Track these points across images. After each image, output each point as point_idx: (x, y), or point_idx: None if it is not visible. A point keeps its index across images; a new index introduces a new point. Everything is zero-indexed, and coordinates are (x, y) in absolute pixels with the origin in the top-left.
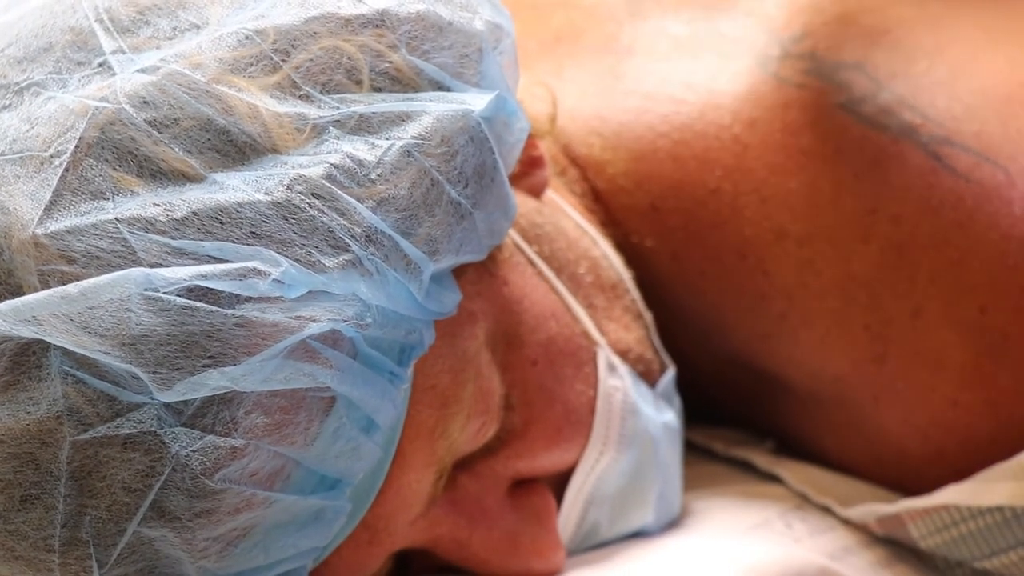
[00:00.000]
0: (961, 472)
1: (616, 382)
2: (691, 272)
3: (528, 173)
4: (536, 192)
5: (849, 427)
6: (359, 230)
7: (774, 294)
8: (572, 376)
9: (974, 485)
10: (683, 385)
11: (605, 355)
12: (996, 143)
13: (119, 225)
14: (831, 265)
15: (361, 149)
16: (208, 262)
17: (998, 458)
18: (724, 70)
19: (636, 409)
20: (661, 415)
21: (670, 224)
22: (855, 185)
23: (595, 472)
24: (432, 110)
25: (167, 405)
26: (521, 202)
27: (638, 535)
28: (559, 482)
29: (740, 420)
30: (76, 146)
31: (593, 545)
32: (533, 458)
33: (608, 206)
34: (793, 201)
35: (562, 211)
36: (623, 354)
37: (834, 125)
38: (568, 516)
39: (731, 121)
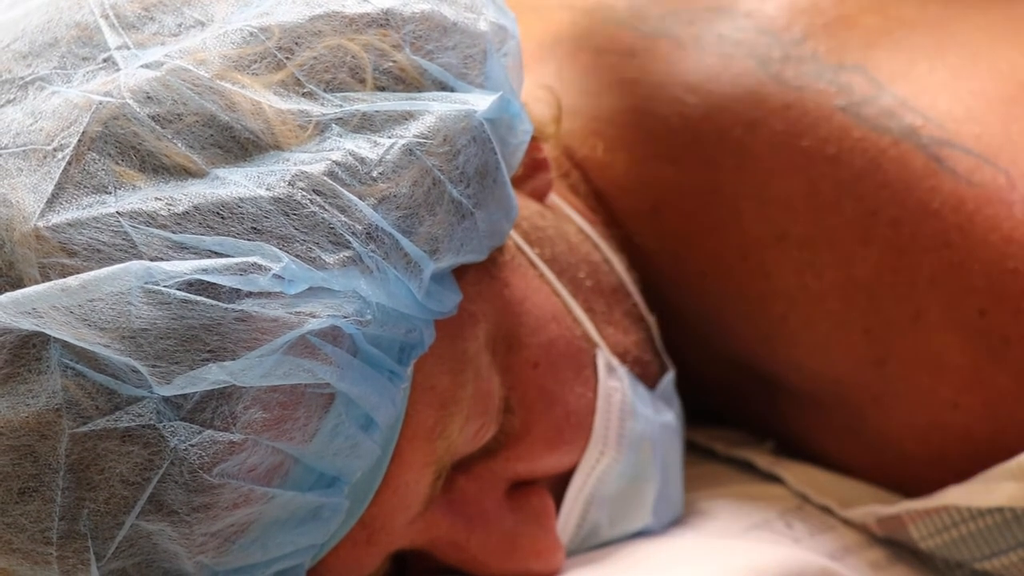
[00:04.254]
0: (961, 474)
1: (615, 383)
2: (692, 273)
3: (532, 176)
4: (539, 195)
5: (849, 429)
6: (360, 227)
7: (775, 296)
8: (572, 379)
9: (974, 486)
10: (684, 386)
11: (604, 356)
12: (997, 145)
13: (120, 219)
14: (831, 267)
15: (363, 147)
16: (209, 256)
17: (998, 460)
18: (725, 72)
19: (634, 410)
20: (660, 416)
21: (671, 226)
22: (856, 187)
23: (595, 473)
24: (435, 109)
25: (166, 399)
26: (524, 205)
27: (639, 535)
28: (558, 483)
29: (741, 421)
30: (79, 140)
31: (594, 546)
32: (532, 460)
33: (610, 207)
34: (794, 203)
35: (565, 215)
36: (621, 357)
37: (835, 127)
38: (568, 517)
39: (732, 123)
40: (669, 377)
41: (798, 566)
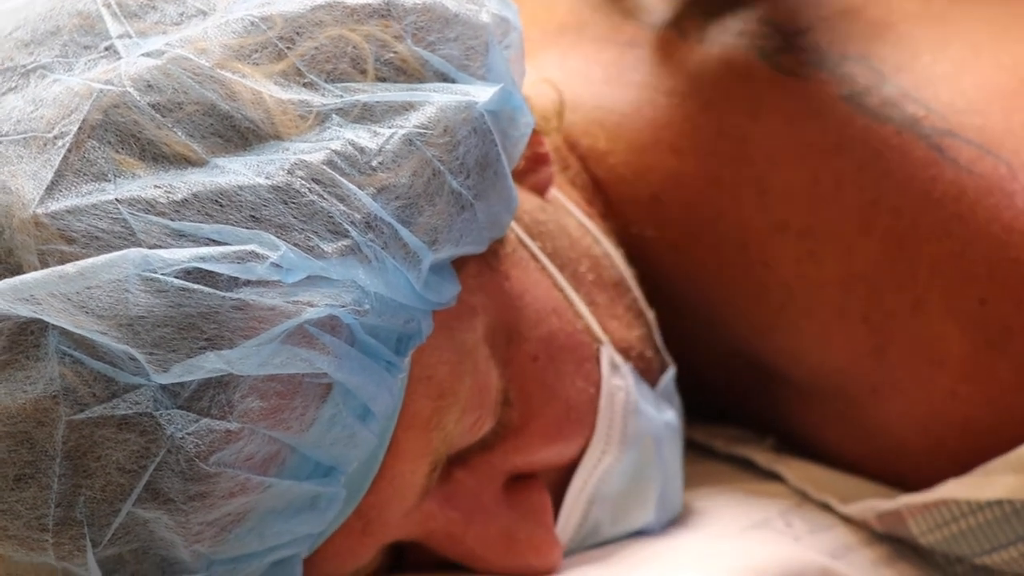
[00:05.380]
0: (961, 465)
1: (619, 381)
2: (691, 263)
3: (533, 170)
4: (540, 189)
5: (849, 419)
6: (359, 216)
7: (774, 285)
8: (573, 372)
9: (974, 479)
10: (684, 382)
11: (608, 353)
12: (998, 136)
13: (119, 206)
14: (832, 257)
15: (363, 137)
16: (207, 244)
17: (998, 451)
18: (727, 61)
19: (638, 409)
20: (662, 414)
21: (670, 215)
22: (857, 177)
23: (597, 472)
24: (436, 100)
25: (163, 387)
26: (525, 199)
27: (639, 534)
28: (558, 481)
29: (741, 415)
30: (79, 128)
31: (594, 544)
32: (531, 453)
33: (608, 197)
34: (794, 193)
35: (565, 209)
36: (625, 352)
37: (837, 117)
38: (570, 516)
39: (733, 113)
40: (670, 374)
41: (798, 566)
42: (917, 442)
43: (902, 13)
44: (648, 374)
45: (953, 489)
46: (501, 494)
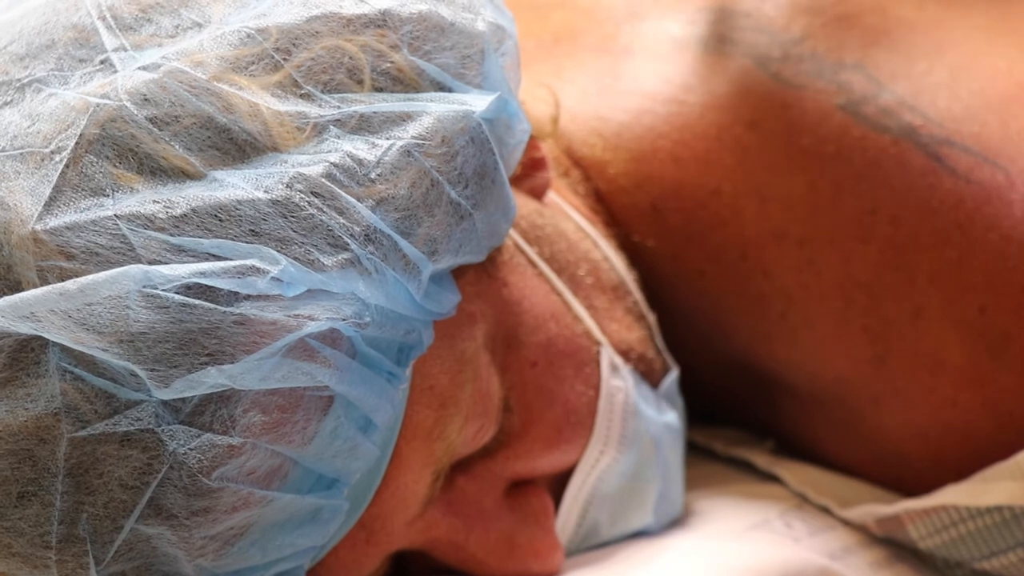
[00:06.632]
0: (961, 472)
1: (619, 382)
2: (691, 272)
3: (530, 175)
4: (538, 194)
5: (849, 427)
6: (358, 229)
7: (774, 294)
8: (572, 377)
9: (973, 485)
10: (684, 385)
11: (608, 355)
12: (996, 144)
13: (118, 222)
14: (831, 265)
15: (361, 148)
16: (207, 259)
17: (998, 458)
18: (724, 71)
19: (637, 410)
20: (663, 416)
21: (670, 224)
22: (856, 186)
23: (595, 472)
24: (433, 110)
25: (165, 403)
26: (522, 203)
27: (639, 535)
28: (558, 482)
29: (741, 420)
30: (77, 143)
31: (593, 545)
32: (532, 459)
33: (610, 206)
34: (794, 202)
35: (563, 213)
36: (625, 354)
37: (834, 126)
38: (568, 516)
39: (732, 122)
40: (673, 376)
41: (798, 566)
42: (917, 450)
43: (898, 20)
44: (650, 375)
45: (952, 495)
46: (502, 499)
